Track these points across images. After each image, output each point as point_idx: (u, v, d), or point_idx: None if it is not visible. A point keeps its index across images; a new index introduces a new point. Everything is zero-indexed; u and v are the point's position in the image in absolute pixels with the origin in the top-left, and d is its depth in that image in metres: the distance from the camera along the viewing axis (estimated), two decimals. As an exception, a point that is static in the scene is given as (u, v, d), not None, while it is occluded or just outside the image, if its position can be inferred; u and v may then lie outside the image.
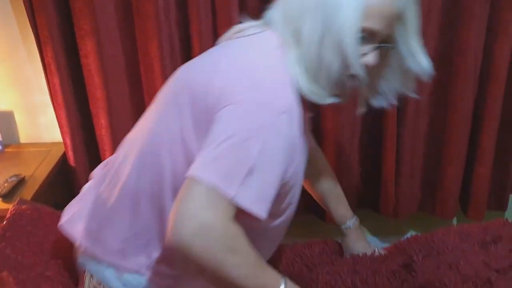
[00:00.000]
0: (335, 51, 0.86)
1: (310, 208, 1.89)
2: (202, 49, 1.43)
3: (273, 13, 0.96)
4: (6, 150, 1.79)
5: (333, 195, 1.37)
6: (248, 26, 1.00)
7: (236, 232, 0.80)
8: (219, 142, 0.81)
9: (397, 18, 0.90)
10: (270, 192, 0.84)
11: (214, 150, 0.80)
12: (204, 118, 0.87)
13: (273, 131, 0.83)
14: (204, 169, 0.80)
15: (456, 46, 1.61)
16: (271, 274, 0.87)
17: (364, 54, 0.90)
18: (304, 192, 1.84)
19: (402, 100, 1.66)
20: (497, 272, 1.14)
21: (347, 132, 1.74)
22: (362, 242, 1.35)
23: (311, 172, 1.32)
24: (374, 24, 0.87)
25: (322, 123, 1.72)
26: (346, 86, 0.94)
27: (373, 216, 1.91)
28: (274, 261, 1.30)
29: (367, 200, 1.90)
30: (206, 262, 0.77)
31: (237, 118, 0.83)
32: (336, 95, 0.94)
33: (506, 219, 1.32)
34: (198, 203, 0.77)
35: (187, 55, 1.61)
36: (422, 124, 1.75)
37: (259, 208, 0.82)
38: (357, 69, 0.88)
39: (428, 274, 1.13)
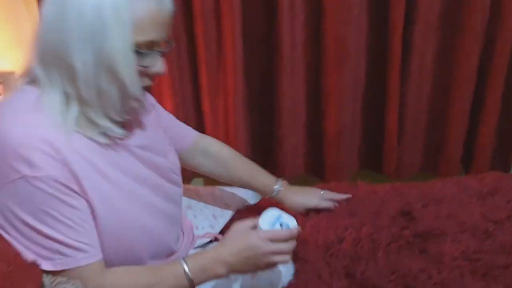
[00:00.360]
0: (112, 79, 0.82)
1: (309, 170, 1.90)
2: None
3: (35, 68, 0.86)
4: (10, 112, 1.80)
5: (248, 172, 1.29)
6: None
7: (110, 282, 0.89)
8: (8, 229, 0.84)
9: (170, 18, 0.88)
10: (60, 240, 0.84)
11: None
12: None
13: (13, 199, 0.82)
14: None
15: (464, 2, 1.58)
16: (168, 269, 0.93)
17: (151, 67, 0.87)
18: (300, 155, 1.88)
19: (407, 59, 1.67)
20: (495, 223, 1.15)
21: (349, 91, 1.73)
22: (304, 193, 1.27)
23: (216, 166, 1.28)
24: (151, 35, 0.83)
25: (323, 82, 1.71)
26: (132, 107, 0.91)
27: (375, 177, 1.91)
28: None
29: (369, 161, 1.90)
30: None
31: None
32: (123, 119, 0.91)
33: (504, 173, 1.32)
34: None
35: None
36: (426, 84, 1.74)
37: (65, 261, 0.85)
38: (136, 92, 0.85)
39: (428, 223, 1.14)
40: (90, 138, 0.88)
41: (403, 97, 1.73)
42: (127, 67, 0.82)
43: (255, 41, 1.69)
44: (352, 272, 1.05)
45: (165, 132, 1.15)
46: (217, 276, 0.93)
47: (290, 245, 0.95)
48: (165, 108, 1.75)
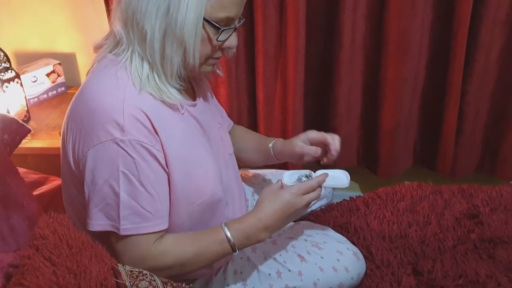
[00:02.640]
0: (177, 48, 0.88)
1: (362, 161, 1.88)
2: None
3: (117, 24, 0.93)
4: (69, 91, 1.84)
5: (255, 142, 1.31)
6: (102, 45, 1.00)
7: (160, 251, 0.92)
8: (90, 189, 0.89)
9: None
10: (156, 202, 0.91)
11: (90, 200, 0.89)
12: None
13: (121, 157, 0.86)
14: (94, 221, 0.90)
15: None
16: (212, 236, 0.96)
17: (225, 41, 0.94)
18: (353, 146, 1.86)
19: (471, 56, 1.62)
20: None
21: (408, 86, 1.70)
22: (290, 141, 1.22)
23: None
24: (231, 12, 0.90)
25: (383, 75, 1.68)
26: (188, 76, 0.99)
27: (429, 175, 1.87)
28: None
29: (424, 158, 1.87)
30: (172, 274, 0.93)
31: (91, 161, 0.87)
32: (181, 86, 0.97)
33: None
34: (122, 255, 0.91)
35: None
36: (489, 82, 1.69)
37: (148, 226, 0.90)
38: (196, 63, 0.91)
39: (496, 228, 1.11)
40: (166, 104, 0.93)
41: (464, 95, 1.68)
42: (194, 39, 0.87)
43: (316, 30, 1.67)
44: (420, 270, 1.04)
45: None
46: (259, 241, 0.98)
47: (319, 191, 1.02)
48: (219, 94, 1.77)
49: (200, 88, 1.10)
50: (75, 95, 0.95)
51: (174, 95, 0.93)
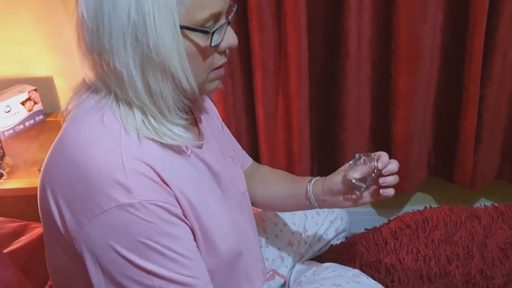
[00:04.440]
0: (162, 76, 0.70)
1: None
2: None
3: (87, 73, 0.75)
4: (48, 119, 1.66)
5: (287, 185, 1.08)
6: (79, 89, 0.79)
7: None
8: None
9: None
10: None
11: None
12: None
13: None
14: None
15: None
16: None
17: (221, 42, 0.75)
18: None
19: (488, 57, 1.48)
20: None
21: (421, 94, 1.55)
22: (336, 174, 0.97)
23: (261, 193, 1.10)
24: (214, 7, 0.70)
25: (393, 83, 1.54)
26: (188, 103, 0.77)
27: (446, 186, 1.74)
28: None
29: (439, 169, 1.73)
30: None
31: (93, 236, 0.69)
32: (187, 120, 0.78)
33: None
34: None
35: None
36: (508, 82, 1.55)
37: None
38: (192, 84, 0.72)
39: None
40: (169, 149, 0.75)
41: (483, 99, 1.54)
42: (179, 59, 0.69)
43: (319, 37, 1.52)
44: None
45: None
46: None
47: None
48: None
49: (205, 117, 0.93)
50: (54, 146, 0.75)
51: (180, 135, 0.74)
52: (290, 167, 1.66)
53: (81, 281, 0.73)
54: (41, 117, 1.64)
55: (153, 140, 0.73)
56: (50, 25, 1.57)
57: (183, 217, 0.73)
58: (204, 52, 0.73)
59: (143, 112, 0.72)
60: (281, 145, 1.64)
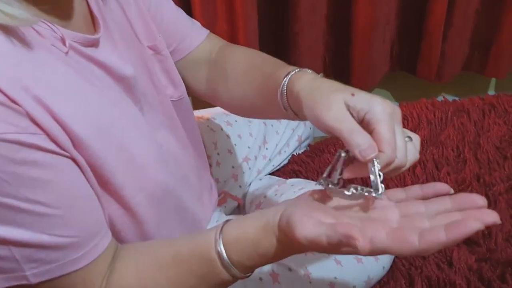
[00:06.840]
0: None
1: (330, 72, 1.53)
2: None
3: None
4: None
5: (262, 70, 0.73)
6: None
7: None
8: None
9: None
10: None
11: None
12: None
13: None
14: None
15: None
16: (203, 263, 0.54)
17: None
18: (319, 53, 1.48)
19: None
20: None
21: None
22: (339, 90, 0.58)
23: (219, 83, 0.77)
24: None
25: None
26: None
27: (410, 79, 1.56)
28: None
29: (403, 62, 1.54)
30: None
31: None
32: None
33: None
34: None
35: None
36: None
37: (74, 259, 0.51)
38: None
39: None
40: (26, 45, 0.48)
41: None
42: None
43: None
44: (473, 238, 0.73)
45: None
46: None
47: None
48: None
49: None
50: None
51: (11, 13, 0.45)
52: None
53: None
54: None
55: None
56: None
57: (58, 149, 0.48)
58: None
59: None
60: (223, 36, 1.37)
